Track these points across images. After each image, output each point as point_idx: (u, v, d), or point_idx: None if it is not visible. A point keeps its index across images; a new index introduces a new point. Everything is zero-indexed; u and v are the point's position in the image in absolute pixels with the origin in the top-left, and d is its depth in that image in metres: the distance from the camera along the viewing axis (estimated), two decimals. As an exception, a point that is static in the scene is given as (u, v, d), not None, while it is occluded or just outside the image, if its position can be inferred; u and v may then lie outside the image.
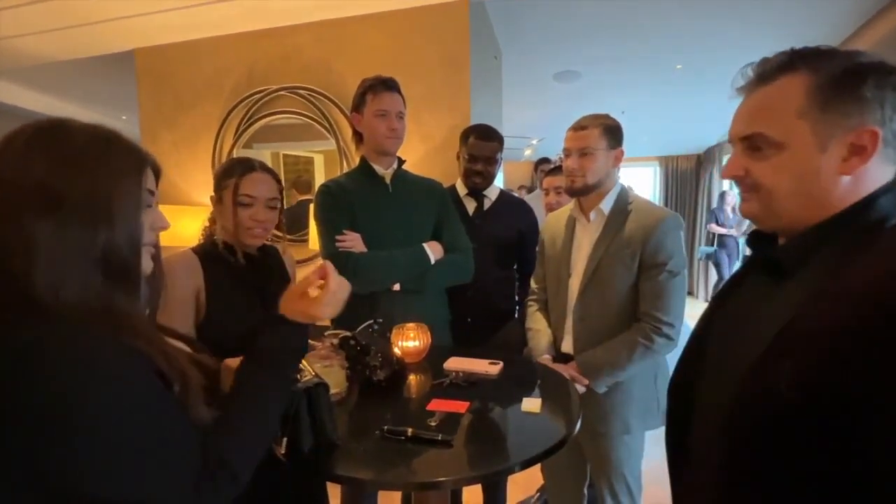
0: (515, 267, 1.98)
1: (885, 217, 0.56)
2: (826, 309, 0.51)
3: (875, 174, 0.58)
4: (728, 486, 0.59)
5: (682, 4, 2.59)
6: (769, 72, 0.62)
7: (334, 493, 1.34)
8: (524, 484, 2.21)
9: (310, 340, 1.26)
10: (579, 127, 1.38)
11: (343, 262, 1.44)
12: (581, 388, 1.35)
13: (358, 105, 1.53)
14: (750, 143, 0.63)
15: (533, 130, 5.66)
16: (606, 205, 1.41)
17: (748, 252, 0.75)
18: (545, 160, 3.92)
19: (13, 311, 0.52)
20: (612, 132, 1.38)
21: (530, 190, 7.15)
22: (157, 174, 0.66)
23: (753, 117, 0.63)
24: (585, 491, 1.64)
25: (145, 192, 0.62)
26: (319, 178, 2.87)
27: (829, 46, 0.60)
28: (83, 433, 0.50)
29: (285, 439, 0.79)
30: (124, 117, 4.52)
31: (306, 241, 2.56)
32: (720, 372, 0.66)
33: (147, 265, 0.65)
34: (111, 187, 0.58)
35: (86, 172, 0.56)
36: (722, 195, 6.00)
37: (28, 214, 0.53)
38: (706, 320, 0.75)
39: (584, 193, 1.41)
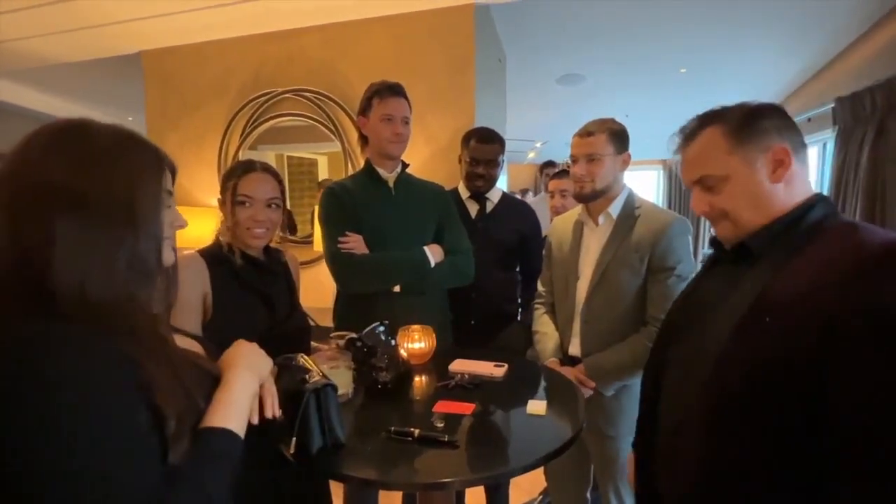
0: (518, 269, 1.99)
1: (823, 217, 0.75)
2: (791, 279, 0.68)
3: (800, 175, 0.78)
4: (709, 446, 0.73)
5: (686, 8, 2.60)
6: (691, 132, 0.84)
7: (336, 492, 1.35)
8: (527, 487, 2.21)
9: (315, 343, 1.28)
10: (586, 133, 1.39)
11: (344, 263, 1.46)
12: (588, 392, 1.35)
13: (364, 109, 1.55)
14: (702, 184, 0.82)
15: (536, 133, 5.67)
16: (615, 209, 1.42)
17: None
18: (550, 163, 3.93)
19: (23, 303, 0.52)
20: (619, 137, 1.39)
21: (534, 193, 7.16)
22: (174, 174, 0.67)
23: (696, 165, 0.82)
24: (588, 495, 1.64)
25: (165, 191, 0.63)
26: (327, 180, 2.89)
27: (722, 106, 0.82)
28: (36, 441, 0.47)
29: (294, 439, 0.79)
30: (130, 118, 4.55)
31: (311, 243, 2.57)
32: (696, 351, 0.79)
33: (169, 257, 0.66)
34: (133, 187, 0.58)
35: (109, 172, 0.57)
36: None
37: (51, 212, 0.53)
38: (675, 313, 0.92)
39: (592, 199, 1.41)
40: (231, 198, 1.16)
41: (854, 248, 0.66)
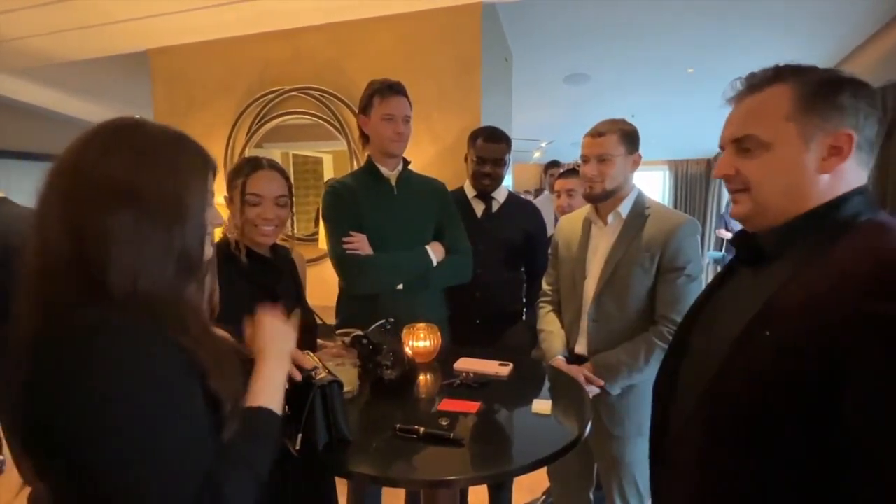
0: (523, 269, 1.98)
1: (856, 213, 0.64)
2: (801, 288, 0.60)
3: (850, 175, 0.66)
4: (705, 468, 0.67)
5: (694, 8, 2.58)
6: (758, 83, 0.70)
7: (340, 490, 1.35)
8: (530, 487, 2.21)
9: (321, 340, 1.28)
10: (597, 133, 1.39)
11: (349, 263, 1.46)
12: (595, 390, 1.35)
13: (365, 107, 1.55)
14: (740, 144, 0.70)
15: (542, 133, 5.65)
16: (624, 209, 1.42)
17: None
18: (555, 163, 3.92)
19: (81, 292, 0.55)
20: (630, 137, 1.39)
21: (538, 193, 7.14)
22: (215, 173, 0.69)
23: (745, 121, 0.70)
24: (591, 495, 1.63)
25: (209, 190, 0.66)
26: (329, 177, 2.90)
27: (809, 65, 0.69)
28: (104, 423, 0.51)
29: (300, 436, 0.80)
30: (137, 115, 4.57)
31: (316, 240, 2.58)
32: (703, 356, 0.73)
33: (209, 252, 0.69)
34: (184, 184, 0.61)
35: (162, 169, 0.60)
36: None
37: (107, 206, 0.56)
38: (691, 318, 0.83)
39: (603, 199, 1.41)
40: (240, 196, 1.17)
41: (879, 255, 0.57)
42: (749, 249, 0.74)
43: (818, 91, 0.65)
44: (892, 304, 0.52)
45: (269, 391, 0.72)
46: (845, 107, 0.64)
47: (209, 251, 0.68)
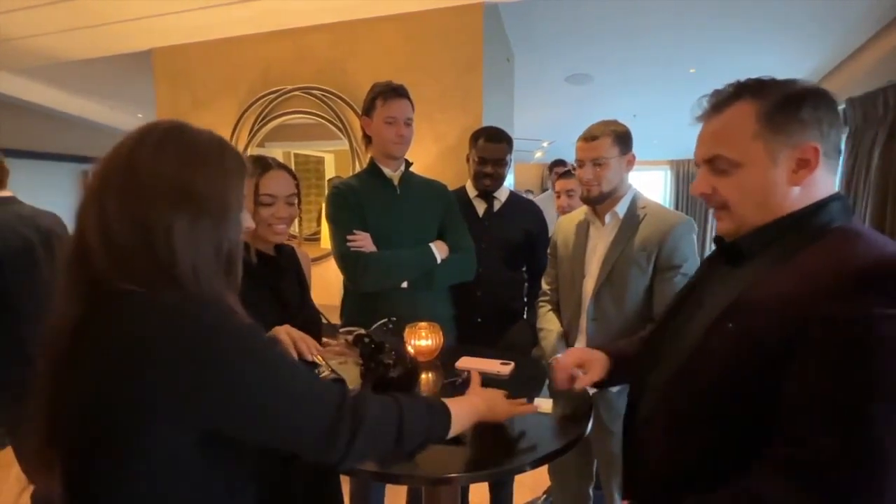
0: (524, 268, 1.99)
1: (830, 219, 0.68)
2: (768, 287, 0.65)
3: (820, 183, 0.69)
4: (670, 440, 0.74)
5: (696, 7, 2.59)
6: (721, 101, 0.73)
7: (343, 487, 1.36)
8: (531, 485, 2.22)
9: (325, 338, 1.29)
10: (590, 137, 1.40)
11: (354, 261, 1.47)
12: (592, 389, 1.35)
13: (368, 109, 1.57)
14: (712, 164, 0.73)
15: (544, 133, 5.66)
16: (621, 208, 1.43)
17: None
18: (560, 162, 3.92)
19: (159, 283, 0.58)
20: (623, 139, 1.41)
21: (544, 191, 7.13)
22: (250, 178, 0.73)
23: (713, 142, 0.73)
24: (591, 492, 1.64)
25: (245, 194, 0.69)
26: (331, 177, 2.91)
27: (769, 77, 0.71)
28: (226, 375, 0.56)
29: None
30: (140, 115, 4.59)
31: (318, 240, 2.59)
32: (678, 344, 0.78)
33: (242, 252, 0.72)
34: (228, 186, 0.64)
35: (211, 170, 0.63)
36: None
37: (167, 204, 0.59)
38: (674, 309, 0.87)
39: (600, 201, 1.43)
40: (253, 197, 1.17)
41: (843, 260, 0.61)
42: (728, 249, 0.78)
43: (780, 108, 0.67)
44: (843, 305, 0.57)
45: (461, 415, 0.80)
46: (807, 121, 0.67)
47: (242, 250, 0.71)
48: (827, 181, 0.70)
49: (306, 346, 0.99)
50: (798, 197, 0.69)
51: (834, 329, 0.57)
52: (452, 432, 0.78)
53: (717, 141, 0.72)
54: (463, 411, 0.81)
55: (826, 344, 0.58)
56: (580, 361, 1.03)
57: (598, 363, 1.02)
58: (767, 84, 0.70)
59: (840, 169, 2.90)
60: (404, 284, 1.52)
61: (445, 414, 0.77)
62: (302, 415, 0.61)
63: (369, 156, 1.63)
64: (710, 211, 0.80)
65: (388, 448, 0.69)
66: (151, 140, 0.61)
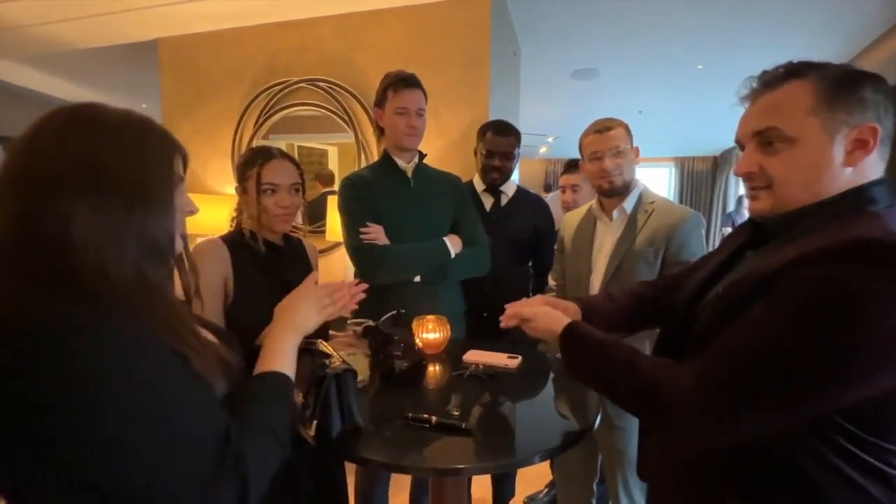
0: (531, 263, 1.99)
1: (871, 202, 0.65)
2: (775, 259, 0.65)
3: (870, 168, 0.67)
4: None
5: (704, 3, 2.57)
6: (773, 79, 0.70)
7: (349, 477, 1.37)
8: (533, 479, 2.23)
9: (332, 331, 1.30)
10: (605, 128, 1.41)
11: (367, 253, 1.47)
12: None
13: (380, 101, 1.55)
14: (762, 138, 0.69)
15: (549, 128, 5.64)
16: (629, 204, 1.43)
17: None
18: (574, 164, 3.89)
19: (42, 285, 0.52)
20: (629, 131, 1.45)
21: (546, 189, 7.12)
22: (185, 160, 0.67)
23: (767, 114, 0.69)
24: (595, 487, 1.65)
25: (177, 175, 0.63)
26: (335, 171, 2.90)
27: (823, 60, 0.69)
28: (92, 414, 0.48)
29: (315, 423, 0.81)
30: (144, 105, 4.58)
31: (324, 231, 2.59)
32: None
33: (178, 245, 0.67)
34: (145, 166, 0.59)
35: (121, 151, 0.57)
36: (740, 199, 5.90)
37: (66, 190, 0.53)
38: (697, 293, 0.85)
39: (621, 192, 1.44)
40: (255, 186, 1.18)
41: (844, 234, 0.60)
42: (755, 232, 0.78)
43: (840, 85, 0.65)
44: (821, 267, 0.58)
45: (281, 357, 0.74)
46: (867, 100, 0.64)
47: (178, 240, 0.66)
48: (876, 167, 0.67)
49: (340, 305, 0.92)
50: (848, 180, 0.66)
51: (800, 282, 0.58)
52: (290, 373, 0.74)
53: (771, 113, 0.68)
54: (286, 360, 0.75)
55: (787, 292, 0.59)
56: (546, 303, 1.04)
57: (568, 310, 1.04)
58: (823, 63, 0.68)
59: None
60: (417, 278, 1.51)
61: (285, 383, 0.72)
62: (171, 465, 0.50)
63: (383, 147, 1.61)
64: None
65: (279, 461, 0.63)
66: (56, 122, 0.56)
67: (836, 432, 0.61)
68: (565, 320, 0.90)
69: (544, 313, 0.97)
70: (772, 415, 0.60)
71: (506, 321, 1.04)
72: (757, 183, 0.72)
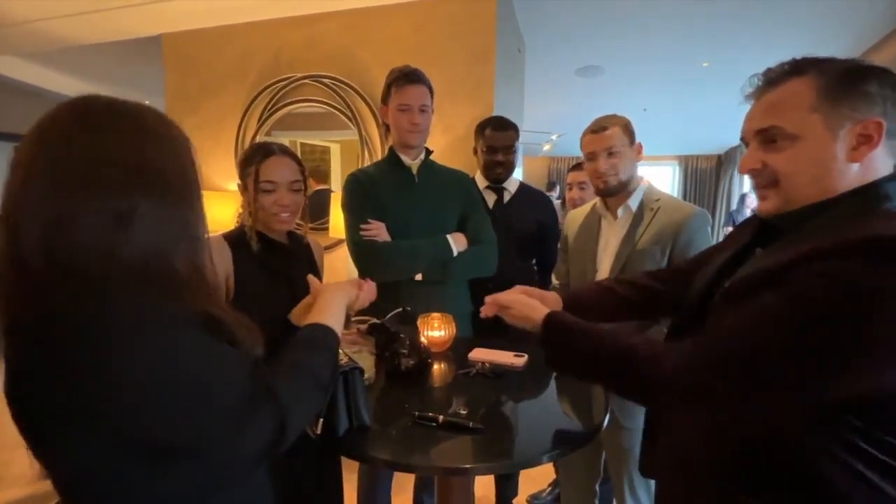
0: (535, 260, 1.98)
1: (885, 198, 0.64)
2: (784, 256, 0.63)
3: (879, 164, 0.65)
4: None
5: (712, 0, 2.55)
6: (777, 77, 0.69)
7: (349, 477, 1.36)
8: (536, 477, 2.22)
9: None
10: (600, 128, 1.40)
11: (367, 250, 1.46)
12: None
13: (385, 97, 1.54)
14: (766, 136, 0.69)
15: (553, 125, 5.62)
16: (634, 201, 1.42)
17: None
18: (579, 166, 3.89)
19: (63, 282, 0.52)
20: (629, 129, 1.42)
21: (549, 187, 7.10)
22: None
23: (768, 113, 0.69)
24: (597, 488, 1.64)
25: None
26: (336, 168, 2.89)
27: (828, 56, 0.68)
28: (129, 382, 0.50)
29: (321, 420, 0.80)
30: (148, 101, 4.56)
31: (326, 228, 2.58)
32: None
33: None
34: (184, 160, 0.60)
35: (159, 147, 0.58)
36: (742, 198, 5.88)
37: (125, 191, 0.54)
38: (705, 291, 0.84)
39: (617, 192, 1.42)
40: (254, 184, 1.16)
41: (862, 233, 0.58)
42: (764, 230, 0.77)
43: (843, 80, 0.64)
44: (830, 263, 0.57)
45: (328, 312, 0.79)
46: (873, 94, 0.64)
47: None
48: (885, 162, 0.66)
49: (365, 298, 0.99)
50: (854, 177, 0.65)
51: (812, 277, 0.57)
52: (337, 328, 0.78)
53: (772, 112, 0.69)
54: (333, 314, 0.80)
55: (798, 285, 0.58)
56: (523, 292, 1.04)
57: (546, 298, 1.04)
58: (827, 59, 0.67)
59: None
60: (418, 277, 1.49)
61: (329, 332, 0.76)
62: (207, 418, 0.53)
63: (389, 144, 1.60)
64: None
65: (321, 401, 0.68)
66: (94, 118, 0.56)
67: (850, 430, 0.60)
68: (544, 310, 0.90)
69: (521, 301, 0.98)
70: (763, 398, 0.60)
71: (485, 311, 1.05)
72: (762, 180, 0.71)
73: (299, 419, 0.61)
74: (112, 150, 0.55)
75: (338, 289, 0.88)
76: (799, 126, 0.66)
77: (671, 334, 0.89)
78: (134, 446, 0.52)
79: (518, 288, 1.07)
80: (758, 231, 0.79)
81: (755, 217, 0.81)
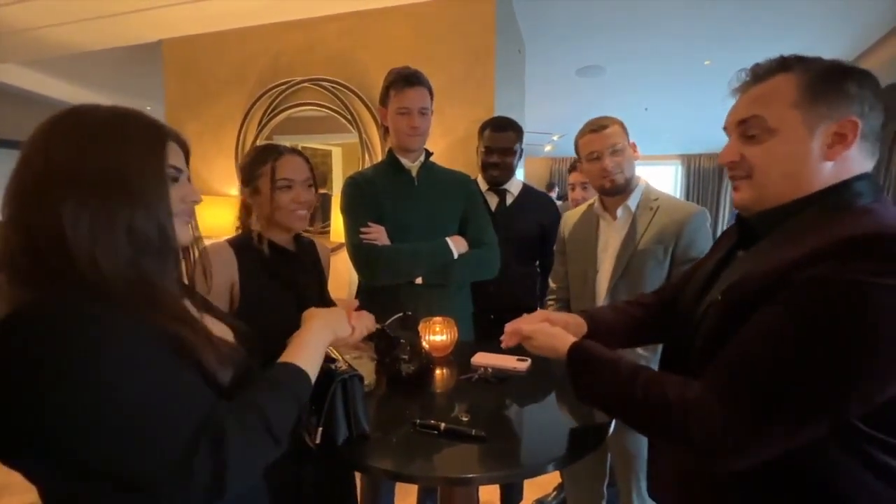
0: (537, 263, 1.96)
1: (857, 196, 0.65)
2: (769, 261, 0.64)
3: (854, 164, 0.66)
4: None
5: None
6: (763, 73, 0.71)
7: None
8: (541, 481, 2.20)
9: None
10: (601, 127, 1.39)
11: (366, 254, 1.44)
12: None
13: (383, 99, 1.53)
14: (746, 127, 0.70)
15: (554, 126, 5.60)
16: (633, 202, 1.41)
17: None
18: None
19: (46, 284, 0.53)
20: (625, 127, 1.43)
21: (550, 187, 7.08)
22: (185, 149, 0.66)
23: (751, 105, 0.71)
24: (605, 490, 1.62)
25: (169, 165, 0.62)
26: (337, 172, 2.88)
27: (814, 56, 0.70)
28: (73, 396, 0.49)
29: (320, 429, 0.79)
30: (149, 107, 4.58)
31: (328, 232, 2.57)
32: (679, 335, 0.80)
33: (184, 235, 0.66)
34: (127, 160, 0.58)
35: (100, 147, 0.57)
36: None
37: (52, 196, 0.54)
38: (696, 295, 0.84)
39: (622, 191, 1.41)
40: (270, 183, 1.14)
41: (843, 230, 0.59)
42: (742, 230, 0.77)
43: (824, 78, 0.65)
44: (827, 266, 0.57)
45: (302, 349, 0.72)
46: (852, 94, 0.64)
47: (183, 233, 0.65)
48: (861, 164, 0.67)
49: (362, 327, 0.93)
50: (828, 175, 0.66)
51: (811, 285, 0.57)
52: (310, 370, 0.70)
53: (756, 104, 0.70)
54: (309, 354, 0.72)
55: (799, 296, 0.58)
56: (545, 318, 0.98)
57: (569, 324, 0.97)
58: (812, 58, 0.69)
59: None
60: (418, 280, 1.47)
61: (295, 374, 0.68)
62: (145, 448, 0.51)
63: (388, 147, 1.58)
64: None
65: (270, 454, 0.60)
66: (41, 131, 0.58)
67: (866, 442, 0.58)
68: (569, 339, 0.87)
69: (545, 331, 0.92)
70: (796, 426, 0.58)
71: (506, 341, 0.99)
72: (738, 172, 0.72)
73: (243, 476, 0.56)
74: (52, 154, 0.56)
75: (325, 324, 0.80)
76: (778, 120, 0.67)
77: (665, 351, 0.88)
78: (79, 469, 0.52)
79: (540, 313, 1.02)
80: (738, 235, 0.80)
81: (735, 223, 0.82)
